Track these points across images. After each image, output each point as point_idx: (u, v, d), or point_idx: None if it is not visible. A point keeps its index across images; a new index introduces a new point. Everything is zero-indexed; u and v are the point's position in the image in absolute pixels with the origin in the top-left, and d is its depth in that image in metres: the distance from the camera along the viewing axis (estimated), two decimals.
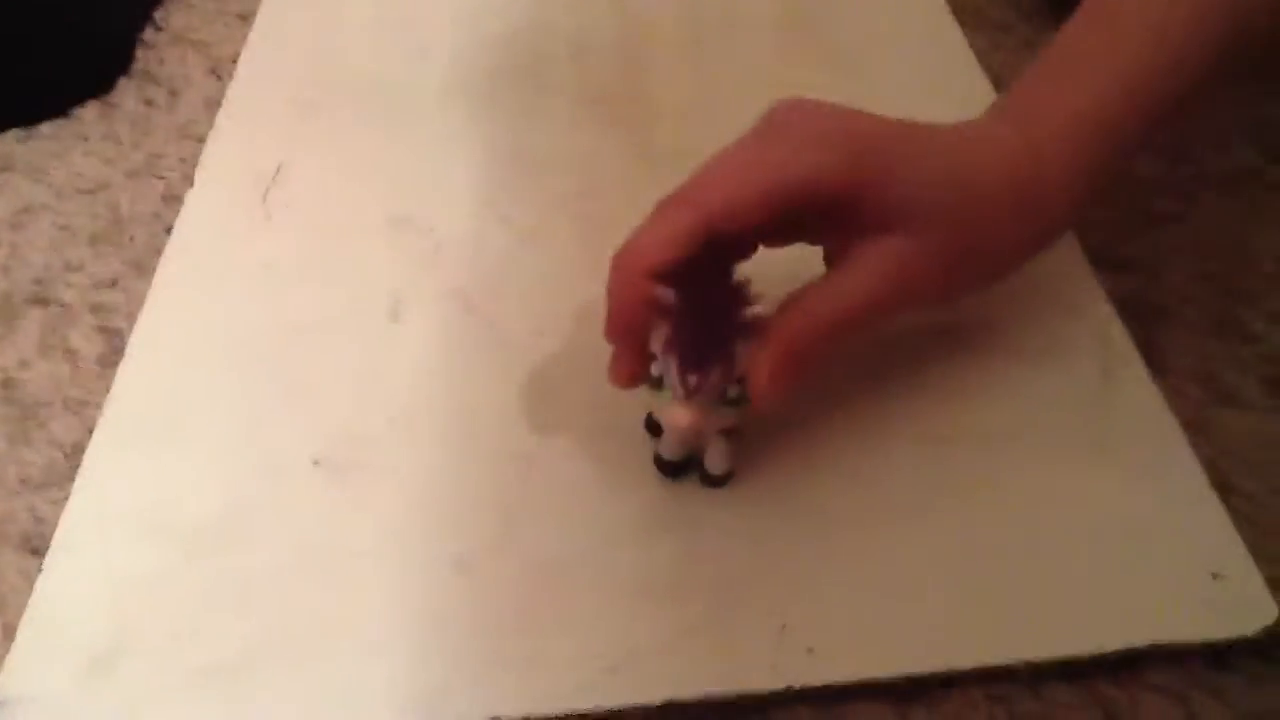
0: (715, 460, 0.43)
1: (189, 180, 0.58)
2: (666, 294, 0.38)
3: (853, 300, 0.40)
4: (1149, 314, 0.51)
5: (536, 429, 0.46)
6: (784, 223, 0.40)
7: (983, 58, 0.64)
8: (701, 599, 0.41)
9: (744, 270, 0.42)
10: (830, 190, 0.39)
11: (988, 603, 0.40)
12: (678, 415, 0.40)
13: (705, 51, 0.66)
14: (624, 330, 0.41)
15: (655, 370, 0.41)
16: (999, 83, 0.62)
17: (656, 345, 0.40)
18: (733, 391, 0.40)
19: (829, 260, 0.43)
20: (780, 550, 0.42)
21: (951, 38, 0.66)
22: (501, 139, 0.60)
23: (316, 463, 0.45)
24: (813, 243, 0.44)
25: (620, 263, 0.40)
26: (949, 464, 0.44)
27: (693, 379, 0.39)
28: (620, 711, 0.39)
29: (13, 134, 0.63)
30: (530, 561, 0.42)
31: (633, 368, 0.41)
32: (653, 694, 0.38)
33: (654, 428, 0.45)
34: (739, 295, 0.40)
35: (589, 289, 0.51)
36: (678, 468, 0.44)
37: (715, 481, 0.44)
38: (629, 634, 0.40)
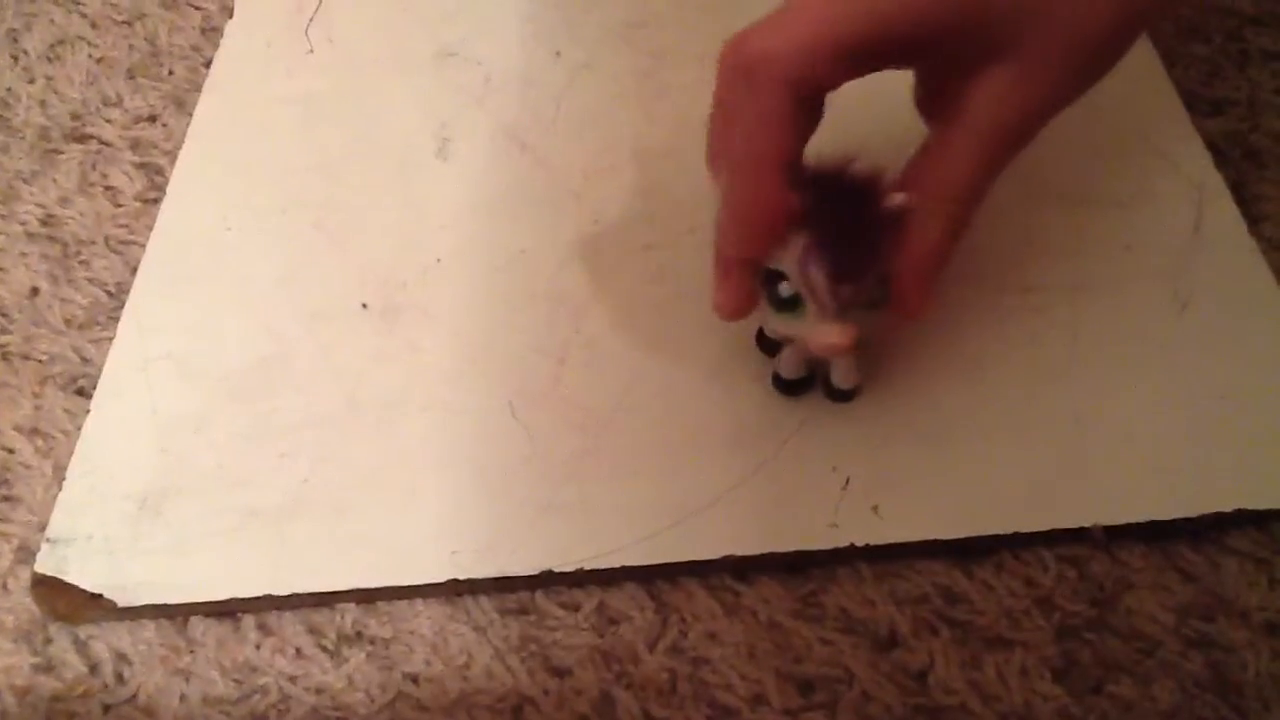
0: (844, 373, 0.39)
1: (227, 11, 0.56)
2: (804, 196, 0.33)
3: (991, 156, 0.35)
4: (1245, 159, 0.48)
5: (589, 273, 0.44)
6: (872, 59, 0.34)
7: None
8: (761, 453, 0.39)
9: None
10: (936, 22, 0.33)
11: (1064, 464, 0.39)
12: (834, 334, 0.35)
13: None
14: (755, 245, 0.35)
15: (785, 290, 0.35)
16: None
17: (788, 260, 0.35)
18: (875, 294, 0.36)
19: (926, 100, 0.38)
20: (843, 404, 0.40)
21: None
22: None
23: (364, 305, 0.44)
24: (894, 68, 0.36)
25: (743, 148, 0.33)
26: (1033, 316, 0.42)
27: (846, 290, 0.34)
28: (676, 566, 0.38)
29: None
30: (583, 410, 0.41)
31: (749, 292, 0.36)
32: (711, 549, 0.37)
33: (771, 346, 0.40)
34: (876, 186, 0.34)
35: (641, 126, 0.49)
36: (800, 385, 0.40)
37: (844, 396, 0.40)
38: (687, 487, 0.39)
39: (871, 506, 0.38)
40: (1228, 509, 0.37)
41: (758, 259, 0.35)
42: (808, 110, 0.34)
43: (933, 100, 0.37)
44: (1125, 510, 0.37)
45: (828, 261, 0.33)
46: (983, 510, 0.38)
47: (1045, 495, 0.38)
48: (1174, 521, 0.37)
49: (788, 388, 0.40)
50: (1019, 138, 0.35)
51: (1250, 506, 0.37)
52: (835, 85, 0.33)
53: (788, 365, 0.40)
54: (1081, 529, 0.37)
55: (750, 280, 0.36)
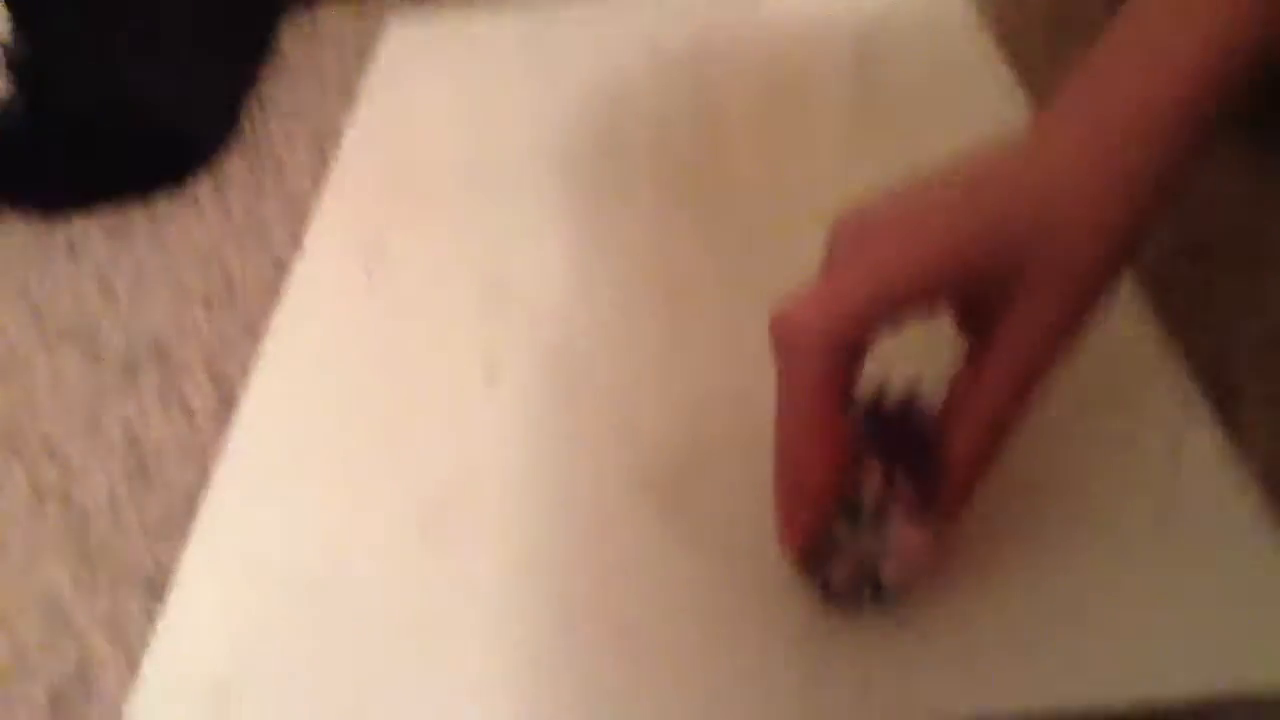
0: (895, 570, 0.40)
1: (297, 246, 0.62)
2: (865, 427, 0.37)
3: (1018, 382, 0.38)
4: (1221, 370, 0.51)
5: (627, 492, 0.48)
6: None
7: None
8: (794, 669, 0.41)
9: None
10: (976, 264, 0.37)
11: (1065, 648, 0.40)
12: (916, 537, 0.38)
13: (780, 127, 0.69)
14: (816, 503, 0.38)
15: (864, 510, 0.38)
16: None
17: (869, 486, 0.38)
18: None
19: (964, 323, 0.41)
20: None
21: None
22: (588, 212, 0.63)
23: (419, 524, 0.48)
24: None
25: (792, 415, 0.37)
26: (1023, 518, 0.45)
27: (920, 500, 0.37)
28: None
29: (132, 204, 0.67)
30: (625, 625, 0.44)
31: (816, 531, 0.38)
32: None
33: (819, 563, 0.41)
34: (922, 406, 0.39)
35: (675, 356, 0.54)
36: (853, 597, 0.41)
37: (891, 599, 0.41)
38: (718, 699, 0.41)
39: None
40: (1224, 689, 0.39)
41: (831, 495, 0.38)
42: (849, 367, 0.37)
43: (972, 325, 0.40)
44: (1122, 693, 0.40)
45: (910, 479, 0.37)
46: (985, 693, 0.40)
47: (1049, 680, 0.40)
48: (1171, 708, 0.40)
49: (845, 600, 0.42)
50: (1040, 364, 0.38)
51: (1244, 691, 0.40)
52: (873, 341, 0.37)
53: (845, 578, 0.41)
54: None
55: (818, 521, 0.38)
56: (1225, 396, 0.50)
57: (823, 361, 0.36)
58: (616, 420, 0.51)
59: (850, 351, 0.37)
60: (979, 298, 0.38)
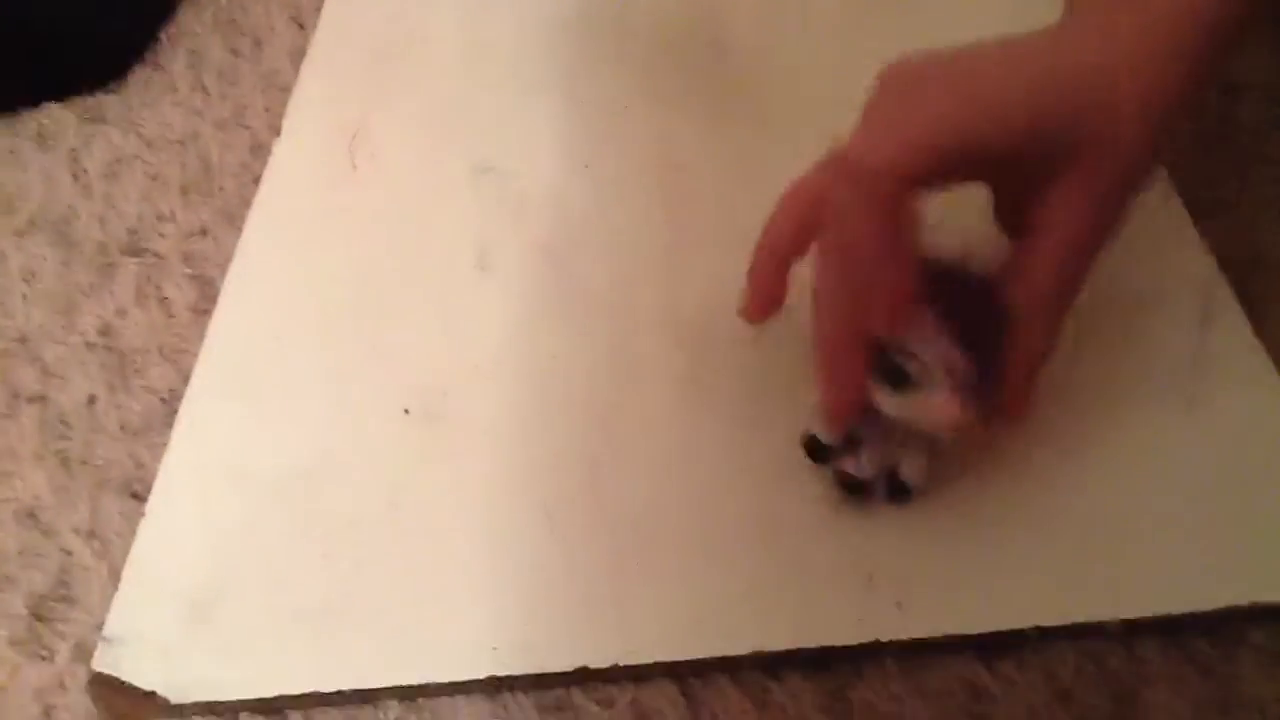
0: (914, 469, 0.41)
1: (275, 130, 0.59)
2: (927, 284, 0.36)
3: (1077, 260, 0.38)
4: (1246, 262, 0.50)
5: (619, 380, 0.47)
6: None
7: None
8: (787, 551, 0.41)
9: None
10: (1014, 135, 0.36)
11: (1081, 559, 0.40)
12: (957, 406, 0.36)
13: (784, 13, 0.65)
14: (892, 321, 0.37)
15: (909, 366, 0.36)
16: None
17: (918, 338, 0.36)
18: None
19: (1003, 215, 0.41)
20: (866, 503, 0.42)
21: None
22: (580, 88, 0.60)
23: (406, 411, 0.46)
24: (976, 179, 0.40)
25: (869, 237, 0.36)
26: (1044, 419, 0.43)
27: (973, 370, 0.36)
28: (707, 662, 0.39)
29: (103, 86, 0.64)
30: (616, 512, 0.42)
31: (859, 383, 0.38)
32: (739, 645, 0.39)
33: (823, 454, 0.41)
34: (990, 283, 0.38)
35: (669, 238, 0.51)
36: (867, 486, 0.41)
37: (906, 496, 0.41)
38: (715, 585, 0.40)
39: (896, 603, 0.39)
40: (1242, 603, 0.38)
41: (876, 342, 0.37)
42: (910, 209, 0.37)
43: (1010, 215, 0.41)
44: (1142, 605, 0.39)
45: (961, 341, 0.36)
46: (1003, 605, 0.39)
47: (1064, 591, 0.39)
48: (1189, 616, 0.38)
49: (859, 488, 0.41)
50: (1096, 241, 0.38)
51: (1265, 601, 0.38)
52: (930, 185, 0.36)
53: (866, 463, 0.41)
54: (1100, 624, 0.39)
55: (861, 371, 0.37)
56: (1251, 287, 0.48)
57: (895, 187, 0.35)
58: (611, 307, 0.49)
59: (916, 186, 0.36)
60: (1020, 173, 0.38)
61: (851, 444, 0.41)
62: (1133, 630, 0.39)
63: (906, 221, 0.36)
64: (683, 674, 0.39)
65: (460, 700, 0.39)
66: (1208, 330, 0.46)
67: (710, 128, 0.56)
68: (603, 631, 0.39)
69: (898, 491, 0.41)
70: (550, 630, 0.40)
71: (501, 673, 0.39)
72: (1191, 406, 0.44)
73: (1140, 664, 0.39)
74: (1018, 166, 0.37)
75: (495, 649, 0.39)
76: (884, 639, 0.38)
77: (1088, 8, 0.39)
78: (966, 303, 0.37)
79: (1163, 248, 0.49)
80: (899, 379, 0.37)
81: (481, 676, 0.39)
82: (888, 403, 0.37)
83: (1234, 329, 0.46)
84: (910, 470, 0.41)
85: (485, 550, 0.42)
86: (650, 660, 0.39)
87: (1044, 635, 0.39)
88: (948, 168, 0.36)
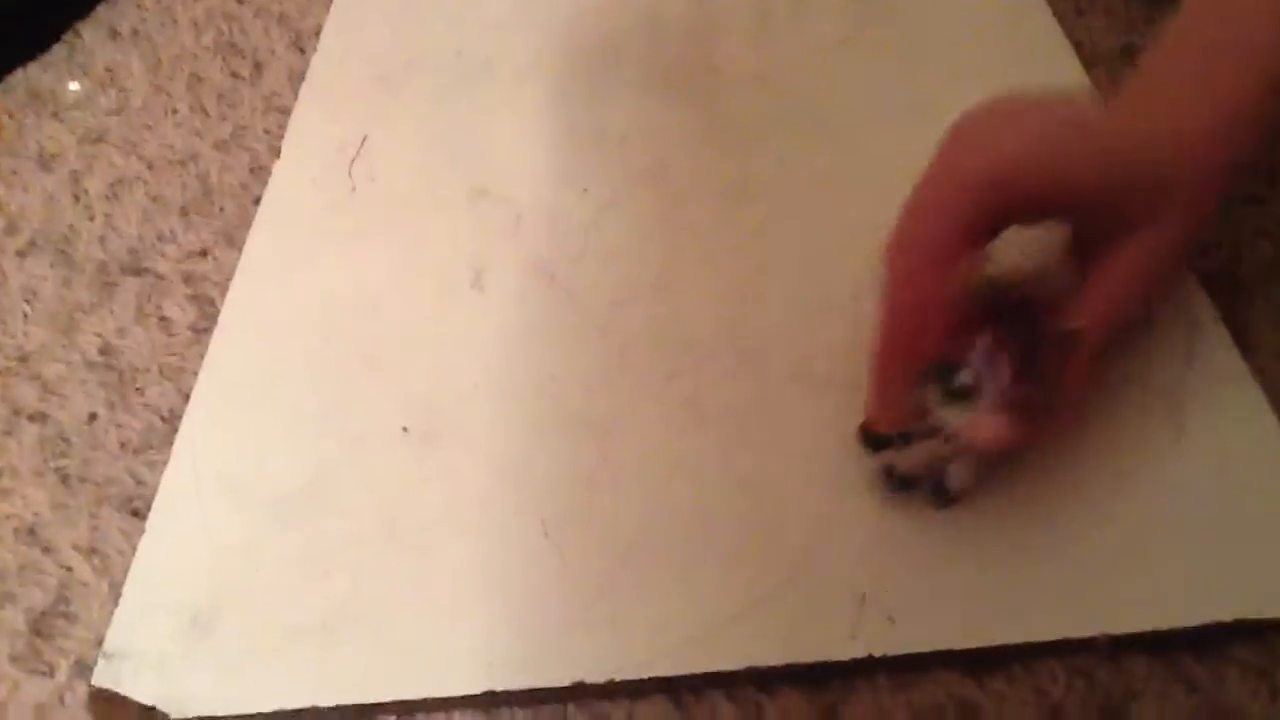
0: (961, 475, 0.41)
1: (275, 152, 0.60)
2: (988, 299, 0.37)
3: (1141, 295, 0.41)
4: (1232, 291, 0.50)
5: (615, 399, 0.47)
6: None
7: (1064, 22, 0.63)
8: (782, 567, 0.41)
9: None
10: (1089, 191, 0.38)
11: (1070, 577, 0.40)
12: (1004, 426, 0.38)
13: (775, 27, 0.66)
14: (927, 339, 0.38)
15: (963, 379, 0.38)
16: (1085, 54, 0.61)
17: (974, 353, 0.38)
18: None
19: (1080, 250, 0.42)
20: (859, 519, 0.42)
21: (1038, 17, 0.64)
22: (577, 114, 0.60)
23: (404, 429, 0.46)
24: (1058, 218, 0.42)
25: (935, 240, 0.37)
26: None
27: (1023, 389, 0.37)
28: (701, 677, 0.39)
29: (104, 105, 0.65)
30: (611, 529, 0.43)
31: (904, 402, 0.39)
32: (733, 661, 0.39)
33: (877, 442, 0.42)
34: (1050, 306, 0.39)
35: (665, 260, 0.52)
36: (912, 482, 0.42)
37: (950, 500, 0.42)
38: (710, 601, 0.41)
39: (888, 618, 0.40)
40: (1227, 619, 0.39)
41: (919, 364, 0.38)
42: (988, 226, 0.38)
43: (1085, 246, 0.41)
44: (1129, 621, 0.39)
45: (1015, 360, 0.37)
46: (993, 621, 0.40)
47: (1053, 607, 0.40)
48: (1176, 631, 0.39)
49: (901, 483, 0.42)
50: (1156, 287, 0.42)
51: (1249, 617, 0.39)
52: (1016, 208, 0.38)
53: (913, 460, 0.41)
54: (1088, 639, 0.39)
55: (906, 392, 0.39)
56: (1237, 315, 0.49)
57: (984, 195, 0.37)
58: (607, 327, 0.50)
59: (1003, 200, 0.37)
60: (1107, 220, 0.40)
61: (904, 439, 0.41)
62: (1121, 646, 0.39)
63: (979, 230, 0.37)
64: (677, 689, 0.40)
65: (457, 715, 0.40)
66: (1194, 356, 0.47)
67: (706, 151, 0.56)
68: (598, 647, 0.40)
69: (940, 493, 0.42)
70: (546, 646, 0.40)
71: (498, 688, 0.39)
72: (1179, 429, 0.44)
73: (1128, 679, 0.39)
74: (1089, 215, 0.40)
75: (492, 664, 0.40)
76: (876, 654, 0.39)
77: (1156, 74, 0.42)
78: (1029, 325, 0.38)
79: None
80: (953, 390, 0.38)
81: (478, 692, 0.39)
82: (939, 411, 0.39)
83: (1222, 356, 0.47)
84: (957, 476, 0.41)
85: (482, 566, 0.42)
86: (645, 675, 0.39)
87: (1034, 651, 0.40)
88: (1030, 192, 0.37)
